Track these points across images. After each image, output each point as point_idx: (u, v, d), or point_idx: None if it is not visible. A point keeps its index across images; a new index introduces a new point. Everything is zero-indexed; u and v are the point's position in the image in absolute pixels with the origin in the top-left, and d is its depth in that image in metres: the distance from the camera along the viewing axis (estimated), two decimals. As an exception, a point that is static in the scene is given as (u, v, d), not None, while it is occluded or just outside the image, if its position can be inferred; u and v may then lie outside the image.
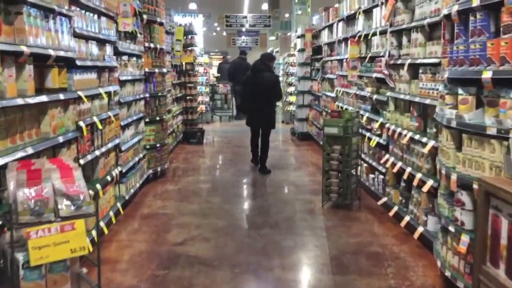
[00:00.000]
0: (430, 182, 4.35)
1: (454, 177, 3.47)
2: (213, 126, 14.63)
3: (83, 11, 4.39)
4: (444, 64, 3.72)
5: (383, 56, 5.79)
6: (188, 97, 11.52)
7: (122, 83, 5.91)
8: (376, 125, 6.08)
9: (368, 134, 6.43)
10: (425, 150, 4.42)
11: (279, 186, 7.14)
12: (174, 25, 10.51)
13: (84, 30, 4.37)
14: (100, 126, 4.66)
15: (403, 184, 5.25)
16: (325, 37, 9.88)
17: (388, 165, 5.51)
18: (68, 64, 4.03)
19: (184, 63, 11.39)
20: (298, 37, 11.75)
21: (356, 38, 7.00)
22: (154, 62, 7.36)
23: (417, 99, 4.69)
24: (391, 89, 5.60)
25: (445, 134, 3.69)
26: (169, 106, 9.28)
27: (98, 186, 4.68)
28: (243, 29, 21.88)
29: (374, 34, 6.21)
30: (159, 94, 7.55)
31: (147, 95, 7.15)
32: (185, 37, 11.18)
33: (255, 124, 8.00)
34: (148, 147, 7.20)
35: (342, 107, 8.00)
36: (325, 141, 5.98)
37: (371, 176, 6.37)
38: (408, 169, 4.90)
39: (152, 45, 7.24)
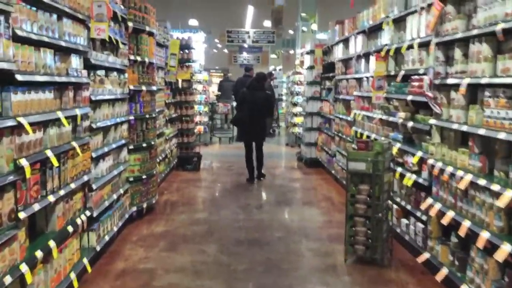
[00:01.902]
0: (507, 248, 3.14)
1: None
2: (211, 148, 13.43)
3: (33, 8, 3.23)
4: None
5: (424, 74, 4.62)
6: (184, 118, 10.35)
7: (97, 104, 4.74)
8: (412, 160, 4.88)
9: (400, 170, 5.22)
10: (500, 204, 3.21)
11: (289, 230, 5.90)
12: (169, 38, 9.39)
13: (33, 34, 3.20)
14: (56, 163, 3.46)
15: (455, 240, 4.03)
16: (338, 53, 8.74)
17: (432, 213, 4.29)
18: (2, 79, 2.86)
19: (180, 80, 10.25)
20: (307, 53, 10.63)
21: (383, 53, 5.84)
22: (141, 78, 6.19)
23: (481, 132, 3.50)
24: (436, 116, 4.42)
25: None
26: (161, 129, 8.12)
27: (51, 243, 3.47)
28: (245, 45, 20.87)
29: (410, 47, 5.05)
30: (147, 116, 6.37)
31: (132, 117, 5.97)
32: (181, 52, 10.06)
33: (249, 138, 8.70)
34: (131, 179, 5.99)
35: (361, 134, 6.82)
36: (349, 180, 4.78)
37: (404, 221, 5.15)
38: (466, 223, 3.69)
39: (139, 58, 6.08)
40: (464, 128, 3.78)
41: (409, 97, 4.97)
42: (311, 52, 10.32)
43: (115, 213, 5.23)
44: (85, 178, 4.26)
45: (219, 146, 14.07)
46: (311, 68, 10.35)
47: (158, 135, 7.74)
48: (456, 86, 3.95)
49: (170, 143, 9.25)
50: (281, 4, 20.52)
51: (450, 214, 3.97)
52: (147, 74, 6.43)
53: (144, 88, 6.23)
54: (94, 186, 4.52)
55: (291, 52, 26.94)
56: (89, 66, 4.47)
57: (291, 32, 25.37)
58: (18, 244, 2.99)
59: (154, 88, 6.68)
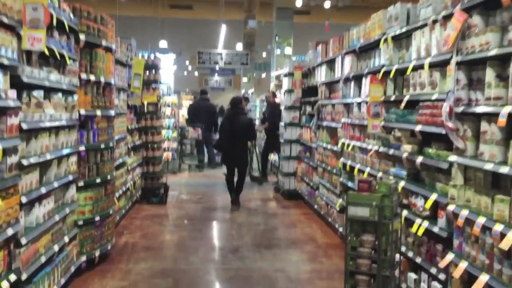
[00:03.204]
0: None
1: None
2: (180, 177, 12.38)
3: None
4: None
5: (437, 101, 3.81)
6: (150, 145, 9.32)
7: (32, 133, 3.73)
8: (424, 204, 4.04)
9: (405, 214, 4.37)
10: None
11: (271, 283, 4.93)
12: (134, 56, 8.44)
13: None
14: (-47, 221, 2.45)
15: (488, 311, 3.16)
16: (321, 76, 7.96)
17: (456, 274, 3.42)
18: None
19: (145, 104, 9.26)
20: (285, 75, 9.83)
21: (380, 75, 5.05)
22: (95, 101, 5.19)
23: (532, 176, 2.68)
24: (458, 152, 3.59)
25: None
26: (122, 159, 7.09)
27: None
28: (217, 67, 20.05)
29: (418, 67, 4.26)
30: (102, 145, 5.36)
31: (83, 148, 4.96)
32: (147, 72, 9.10)
33: (232, 163, 8.61)
34: (81, 223, 4.94)
35: (352, 167, 5.98)
36: (348, 228, 3.89)
37: (412, 276, 4.28)
38: (510, 294, 2.84)
39: (93, 78, 5.09)
40: (505, 169, 2.95)
41: (418, 127, 4.15)
42: (290, 74, 9.53)
43: (56, 269, 4.17)
44: (10, 231, 3.23)
45: (189, 174, 13.03)
46: (289, 91, 9.53)
47: (118, 166, 6.72)
48: (489, 116, 3.15)
49: (133, 174, 8.20)
50: (254, 27, 19.89)
51: (484, 278, 3.11)
52: (104, 96, 5.44)
53: (99, 112, 5.23)
54: (24, 240, 3.48)
55: (263, 75, 26.31)
56: (22, 86, 3.49)
57: (263, 55, 24.79)
58: None
59: (111, 112, 5.69)
